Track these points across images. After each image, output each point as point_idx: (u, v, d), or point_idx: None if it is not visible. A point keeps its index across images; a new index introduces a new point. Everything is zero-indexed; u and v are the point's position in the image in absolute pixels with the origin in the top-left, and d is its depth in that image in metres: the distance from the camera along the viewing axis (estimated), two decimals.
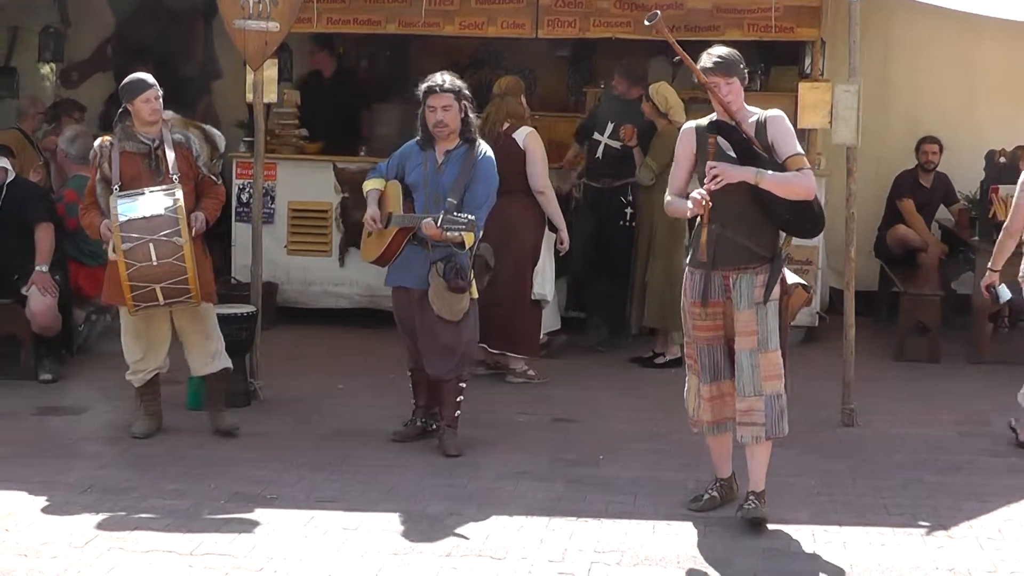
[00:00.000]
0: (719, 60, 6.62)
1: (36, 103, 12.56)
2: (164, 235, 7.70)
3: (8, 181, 9.70)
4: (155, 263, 7.69)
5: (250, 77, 9.24)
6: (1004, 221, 10.70)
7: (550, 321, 10.49)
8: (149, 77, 8.11)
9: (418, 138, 8.03)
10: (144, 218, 7.71)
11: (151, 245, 7.68)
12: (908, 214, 12.07)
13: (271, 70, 9.43)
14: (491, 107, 9.89)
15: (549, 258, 10.09)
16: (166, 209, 7.76)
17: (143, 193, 7.81)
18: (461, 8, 11.42)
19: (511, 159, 9.62)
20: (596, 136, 10.84)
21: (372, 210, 7.96)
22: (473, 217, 7.64)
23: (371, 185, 8.08)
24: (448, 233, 7.57)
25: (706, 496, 7.00)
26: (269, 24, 8.98)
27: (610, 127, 10.73)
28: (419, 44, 12.83)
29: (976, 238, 11.21)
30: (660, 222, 10.25)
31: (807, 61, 11.57)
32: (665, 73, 12.58)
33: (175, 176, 7.93)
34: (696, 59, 6.68)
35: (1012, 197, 10.74)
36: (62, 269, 9.81)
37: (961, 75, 12.64)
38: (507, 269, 9.68)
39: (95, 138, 11.03)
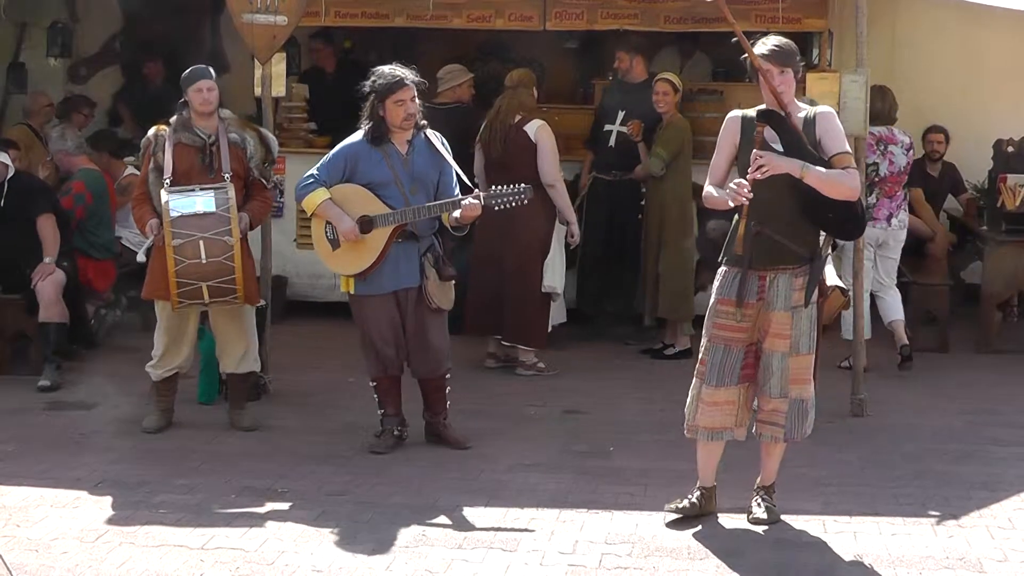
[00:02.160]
0: (775, 48, 6.47)
1: (43, 98, 12.57)
2: (215, 233, 7.74)
3: (9, 177, 9.70)
4: (204, 261, 7.72)
5: (258, 71, 9.24)
6: (1013, 210, 10.77)
7: (556, 314, 10.48)
8: (207, 68, 8.16)
9: (367, 135, 7.78)
10: (196, 215, 7.74)
11: (201, 243, 7.71)
12: (917, 203, 12.02)
13: (279, 64, 9.42)
14: (503, 99, 9.90)
15: (559, 251, 10.08)
16: (218, 207, 7.79)
17: (194, 190, 7.83)
18: (469, 1, 11.41)
19: (522, 151, 9.63)
20: (607, 127, 10.83)
21: (349, 224, 7.63)
22: (528, 184, 7.66)
23: (320, 197, 7.69)
24: (496, 209, 7.59)
25: (686, 502, 6.75)
26: (277, 18, 8.98)
27: (621, 115, 10.72)
28: (426, 37, 12.81)
29: (984, 227, 11.21)
30: (670, 212, 10.27)
31: (814, 52, 11.55)
32: (674, 65, 12.60)
33: (227, 175, 7.95)
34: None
35: (1020, 187, 10.81)
36: (71, 261, 9.81)
37: (968, 65, 12.62)
38: (516, 261, 9.70)
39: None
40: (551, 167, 9.74)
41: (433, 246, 7.76)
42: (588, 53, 13.78)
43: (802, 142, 6.38)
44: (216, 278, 7.78)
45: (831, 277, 6.69)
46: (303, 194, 7.79)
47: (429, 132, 7.85)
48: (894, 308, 10.24)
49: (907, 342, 10.10)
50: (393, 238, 7.68)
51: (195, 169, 8.02)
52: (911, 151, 10.21)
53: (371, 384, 8.03)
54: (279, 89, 9.52)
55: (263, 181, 8.32)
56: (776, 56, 6.46)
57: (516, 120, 9.75)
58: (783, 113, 6.43)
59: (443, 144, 7.86)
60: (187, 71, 8.17)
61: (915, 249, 11.99)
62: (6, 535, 6.37)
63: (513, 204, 7.60)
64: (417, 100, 7.74)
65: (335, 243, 7.80)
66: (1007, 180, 10.86)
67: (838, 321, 9.59)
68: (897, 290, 10.32)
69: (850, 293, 9.70)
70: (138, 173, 9.02)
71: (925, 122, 12.20)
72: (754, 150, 6.34)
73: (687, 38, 13.01)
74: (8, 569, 5.71)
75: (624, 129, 10.64)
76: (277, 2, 8.95)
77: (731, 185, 6.36)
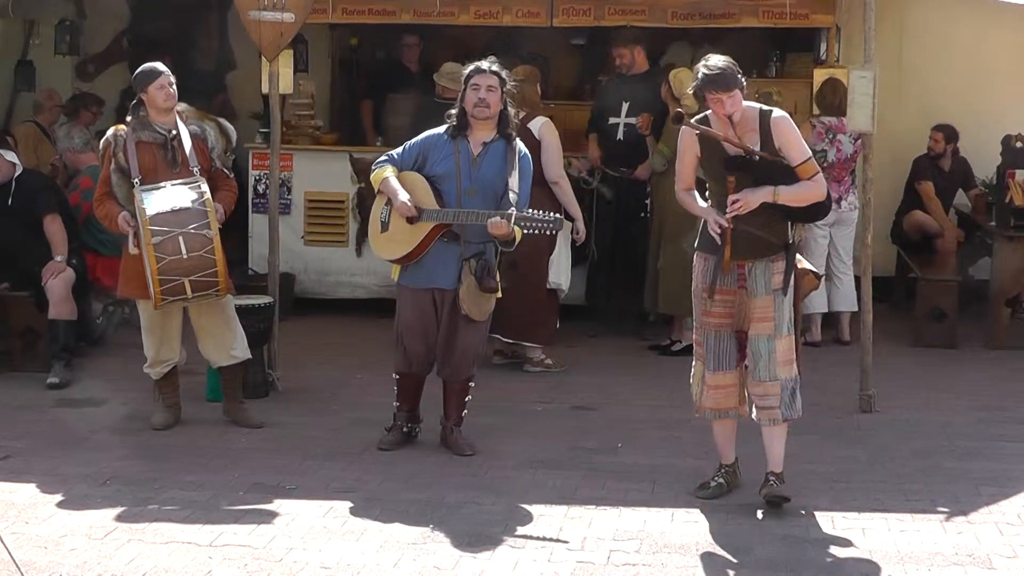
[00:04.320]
0: (716, 73, 6.55)
1: (53, 96, 12.59)
2: (193, 228, 7.70)
3: (16, 175, 9.72)
4: (185, 256, 7.67)
5: (266, 68, 9.24)
6: (1021, 206, 10.77)
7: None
8: (160, 65, 8.10)
9: (448, 127, 7.75)
10: (172, 211, 7.70)
11: (181, 238, 7.66)
12: (927, 197, 12.02)
13: (287, 61, 9.42)
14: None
15: (565, 248, 10.07)
16: (193, 202, 7.75)
17: (164, 186, 7.80)
18: None
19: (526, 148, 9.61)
20: (612, 120, 10.82)
21: (405, 197, 7.55)
22: (560, 215, 7.51)
23: (385, 173, 7.71)
24: (524, 232, 7.41)
25: (713, 484, 7.03)
26: (284, 15, 8.97)
27: (625, 107, 10.72)
28: (433, 33, 12.82)
29: (993, 223, 11.20)
30: (672, 208, 10.22)
31: (822, 47, 11.55)
32: (684, 58, 12.59)
33: (196, 168, 7.94)
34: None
35: None
36: (79, 258, 9.83)
37: (976, 60, 12.60)
38: (522, 259, 9.68)
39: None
40: (556, 164, 9.73)
41: (483, 254, 7.61)
42: (595, 50, 13.78)
43: (768, 168, 6.62)
44: (198, 272, 7.72)
45: (802, 261, 6.91)
46: (375, 170, 7.81)
47: (518, 143, 7.76)
48: (845, 297, 10.91)
49: (848, 339, 10.79)
50: (435, 235, 7.61)
51: (160, 165, 7.95)
52: (859, 140, 10.35)
53: (394, 376, 8.00)
54: (286, 86, 9.52)
55: (225, 172, 8.29)
56: (716, 81, 6.55)
57: (520, 117, 9.72)
58: (744, 154, 6.63)
59: (523, 159, 7.73)
60: (138, 72, 8.08)
61: (924, 245, 12.00)
62: (15, 532, 6.36)
63: (541, 231, 7.43)
64: (499, 94, 7.66)
65: (385, 226, 7.75)
66: (1015, 176, 10.85)
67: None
68: (852, 275, 10.63)
69: (821, 276, 9.84)
70: None
71: (934, 118, 12.18)
72: (729, 196, 6.61)
73: (694, 30, 12.99)
74: (17, 566, 5.71)
75: (632, 121, 10.63)
76: None
77: (713, 226, 6.68)
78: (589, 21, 11.54)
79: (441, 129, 7.82)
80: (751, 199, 6.57)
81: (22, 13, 12.72)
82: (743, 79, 6.69)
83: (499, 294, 7.75)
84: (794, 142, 6.68)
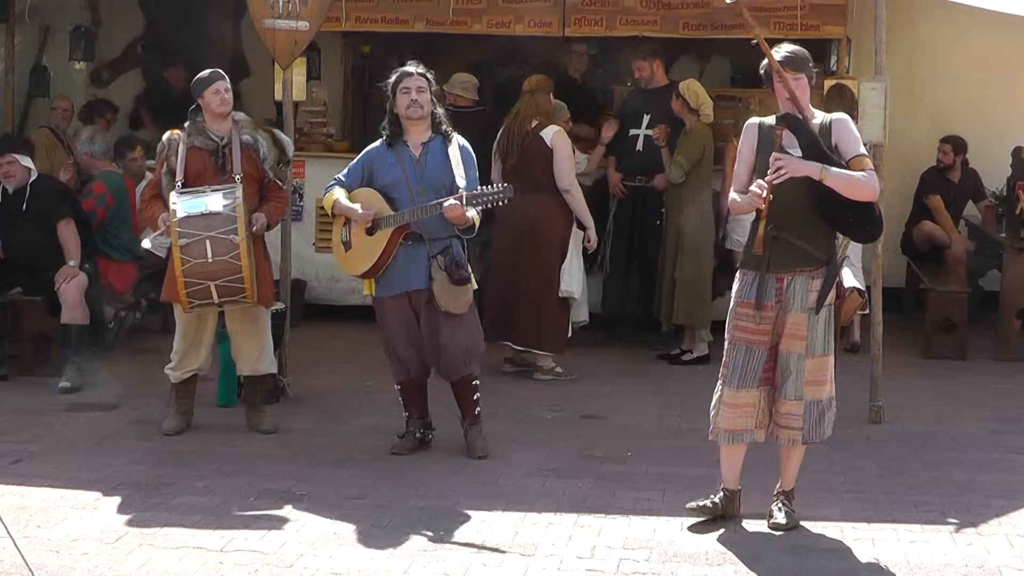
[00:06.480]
0: (788, 55, 6.52)
1: (63, 101, 12.63)
2: (221, 232, 7.74)
3: (31, 180, 9.75)
4: (210, 260, 7.72)
5: (279, 76, 9.27)
6: None
7: (576, 313, 10.48)
8: (219, 71, 8.19)
9: (384, 137, 7.87)
10: (202, 215, 7.75)
11: (207, 242, 7.71)
12: (936, 211, 12.02)
13: (300, 68, 9.45)
14: (520, 104, 9.91)
15: (577, 255, 10.07)
16: (224, 207, 7.79)
17: (204, 191, 7.86)
18: (488, 7, 11.47)
19: (538, 157, 9.65)
20: (632, 131, 10.82)
21: (358, 207, 7.72)
22: (507, 184, 7.65)
23: (336, 195, 7.85)
24: (473, 211, 7.56)
25: (707, 502, 6.79)
26: (299, 23, 9.00)
27: (646, 119, 10.73)
28: (446, 42, 12.84)
29: (1003, 235, 11.20)
30: (689, 219, 10.27)
31: (833, 59, 11.56)
32: (693, 70, 12.61)
33: (238, 176, 7.98)
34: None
35: None
36: (92, 263, 9.86)
37: (987, 72, 12.60)
38: (534, 266, 9.71)
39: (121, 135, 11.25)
40: (567, 172, 9.75)
41: (449, 248, 7.75)
42: (607, 59, 13.80)
43: (820, 145, 6.43)
44: (223, 277, 7.77)
45: (848, 279, 6.72)
46: (325, 194, 7.96)
47: (454, 136, 7.87)
48: None
49: (858, 340, 10.69)
50: (397, 239, 7.71)
51: (208, 172, 8.06)
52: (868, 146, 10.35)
53: (396, 387, 8.05)
54: (300, 94, 9.55)
55: (278, 182, 8.35)
56: (789, 62, 6.52)
57: (533, 125, 9.77)
58: (801, 117, 6.47)
59: (463, 149, 7.85)
60: (198, 76, 8.19)
61: (933, 255, 12.00)
62: (27, 535, 6.39)
63: (495, 204, 7.60)
64: (429, 95, 7.78)
65: (348, 245, 7.88)
66: None
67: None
68: (862, 276, 10.34)
69: (866, 295, 9.83)
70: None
71: (944, 130, 12.19)
72: (773, 153, 6.41)
73: (702, 41, 13.01)
74: (30, 569, 5.73)
75: (651, 133, 10.65)
76: (299, 7, 8.97)
77: (752, 188, 6.44)
78: (600, 31, 11.57)
79: (377, 143, 7.94)
80: (795, 164, 6.33)
81: (37, 19, 12.76)
82: (813, 71, 6.67)
83: (474, 286, 7.87)
84: (851, 137, 6.52)
